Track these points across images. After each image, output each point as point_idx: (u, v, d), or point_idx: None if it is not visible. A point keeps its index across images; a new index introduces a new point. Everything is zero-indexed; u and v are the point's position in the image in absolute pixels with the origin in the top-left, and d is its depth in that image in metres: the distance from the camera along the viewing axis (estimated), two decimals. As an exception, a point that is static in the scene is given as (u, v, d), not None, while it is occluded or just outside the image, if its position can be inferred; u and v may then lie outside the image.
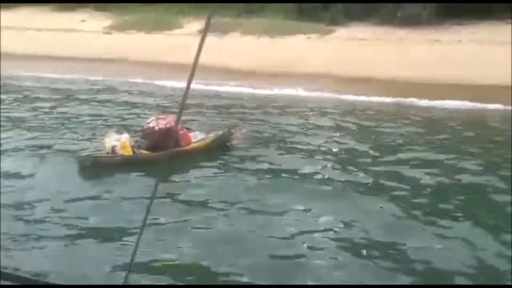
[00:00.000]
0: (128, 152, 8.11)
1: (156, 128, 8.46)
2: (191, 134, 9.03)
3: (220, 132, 9.38)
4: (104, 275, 5.20)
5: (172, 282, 5.43)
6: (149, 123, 8.69)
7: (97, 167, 7.87)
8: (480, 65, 16.83)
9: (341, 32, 23.96)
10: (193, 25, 26.73)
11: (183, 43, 19.85)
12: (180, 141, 8.38)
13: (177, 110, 12.07)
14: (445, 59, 18.01)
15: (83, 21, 28.99)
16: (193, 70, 1.71)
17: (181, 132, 8.51)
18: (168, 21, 26.04)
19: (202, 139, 9.05)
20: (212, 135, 9.24)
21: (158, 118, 8.69)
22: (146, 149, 8.38)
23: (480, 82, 15.61)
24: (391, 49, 20.31)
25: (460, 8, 22.41)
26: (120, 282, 4.36)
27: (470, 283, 5.33)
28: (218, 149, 9.07)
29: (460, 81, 16.01)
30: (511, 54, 15.97)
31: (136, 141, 8.54)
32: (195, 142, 8.92)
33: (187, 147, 8.63)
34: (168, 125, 8.49)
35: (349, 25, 24.77)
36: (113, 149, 7.97)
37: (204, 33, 1.67)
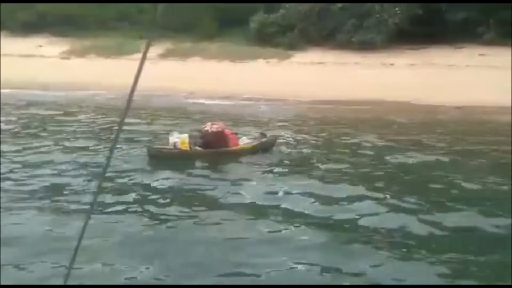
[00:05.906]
0: (186, 147, 9.91)
1: (209, 130, 10.08)
2: (239, 139, 10.66)
3: (264, 139, 10.87)
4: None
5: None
6: (205, 126, 10.29)
7: (160, 157, 9.81)
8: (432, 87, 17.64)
9: (300, 57, 24.53)
10: (153, 49, 26.73)
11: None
12: (228, 142, 10.13)
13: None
14: (399, 81, 18.74)
15: (40, 46, 28.57)
16: (133, 87, 1.79)
17: (230, 135, 10.21)
18: (128, 45, 25.86)
19: (248, 143, 10.55)
20: (257, 140, 10.76)
21: (212, 123, 10.29)
22: (201, 147, 10.11)
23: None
24: (347, 72, 20.92)
25: (414, 34, 23.30)
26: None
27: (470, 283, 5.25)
28: (262, 152, 10.46)
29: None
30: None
31: (194, 140, 10.21)
32: (242, 145, 10.42)
33: (234, 148, 10.22)
34: (219, 129, 10.14)
35: (308, 50, 25.38)
36: (174, 144, 9.89)
37: (144, 54, 1.74)
